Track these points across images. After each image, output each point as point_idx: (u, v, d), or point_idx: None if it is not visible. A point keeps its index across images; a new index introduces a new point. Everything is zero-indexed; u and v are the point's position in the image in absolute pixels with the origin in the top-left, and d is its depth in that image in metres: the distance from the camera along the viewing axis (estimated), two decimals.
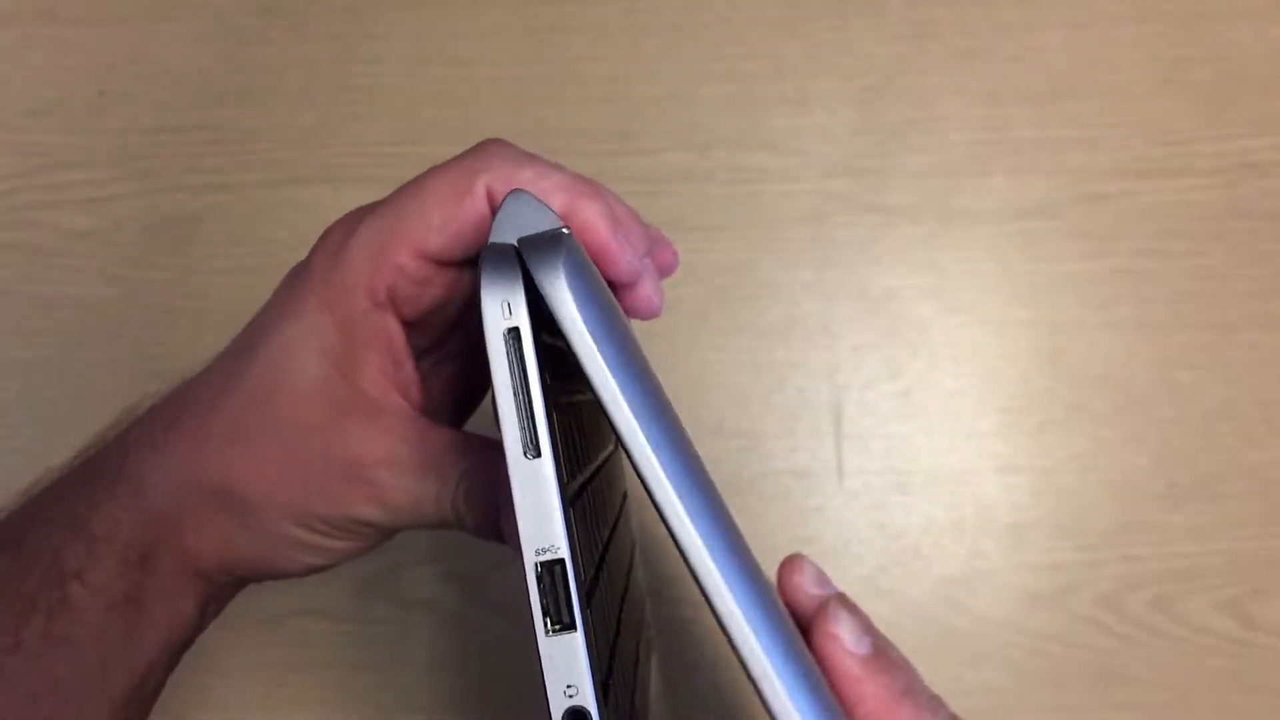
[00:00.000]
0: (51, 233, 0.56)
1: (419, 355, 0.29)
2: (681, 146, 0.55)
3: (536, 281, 0.19)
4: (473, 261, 0.27)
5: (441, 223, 0.26)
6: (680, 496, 0.20)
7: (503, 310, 0.19)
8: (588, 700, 0.19)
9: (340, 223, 0.29)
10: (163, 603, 0.29)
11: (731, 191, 0.54)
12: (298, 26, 0.57)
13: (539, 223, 0.21)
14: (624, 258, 0.25)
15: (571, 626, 0.19)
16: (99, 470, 0.30)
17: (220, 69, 0.57)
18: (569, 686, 0.19)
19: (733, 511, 0.21)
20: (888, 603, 0.51)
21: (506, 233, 0.21)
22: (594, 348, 0.19)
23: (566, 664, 0.19)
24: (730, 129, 0.55)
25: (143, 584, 0.29)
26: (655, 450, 0.19)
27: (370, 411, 0.27)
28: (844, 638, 0.22)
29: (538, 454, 0.19)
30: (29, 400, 0.55)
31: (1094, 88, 0.54)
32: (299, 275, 0.30)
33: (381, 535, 0.29)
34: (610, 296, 0.21)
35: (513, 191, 0.22)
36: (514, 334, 0.19)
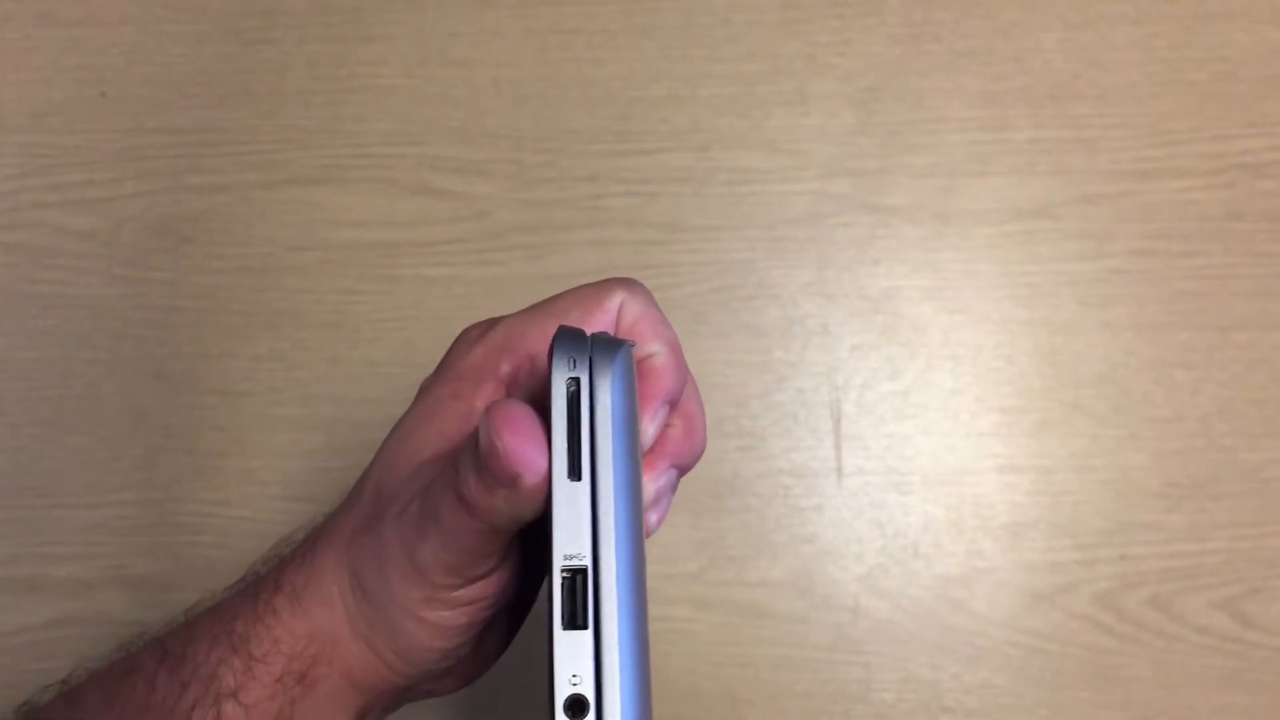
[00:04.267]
0: (53, 233, 0.56)
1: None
2: (681, 146, 0.55)
3: (592, 360, 0.24)
4: None
5: (578, 320, 0.28)
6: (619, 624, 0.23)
7: (568, 364, 0.24)
8: (588, 690, 0.22)
9: (481, 322, 0.30)
10: None
11: (731, 191, 0.55)
12: (298, 27, 0.57)
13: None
14: (647, 426, 0.27)
15: (585, 626, 0.23)
16: (260, 589, 0.30)
17: (221, 70, 0.57)
18: (574, 676, 0.22)
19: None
20: (887, 602, 0.51)
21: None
22: (609, 438, 0.24)
23: (575, 657, 0.22)
24: (730, 129, 0.55)
25: (297, 703, 0.29)
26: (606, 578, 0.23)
27: None
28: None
29: (579, 478, 0.23)
30: (30, 400, 0.55)
31: (1092, 89, 0.54)
32: (435, 373, 0.31)
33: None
34: (635, 421, 0.25)
35: (604, 335, 0.26)
36: (575, 382, 0.24)
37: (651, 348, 0.28)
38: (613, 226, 0.54)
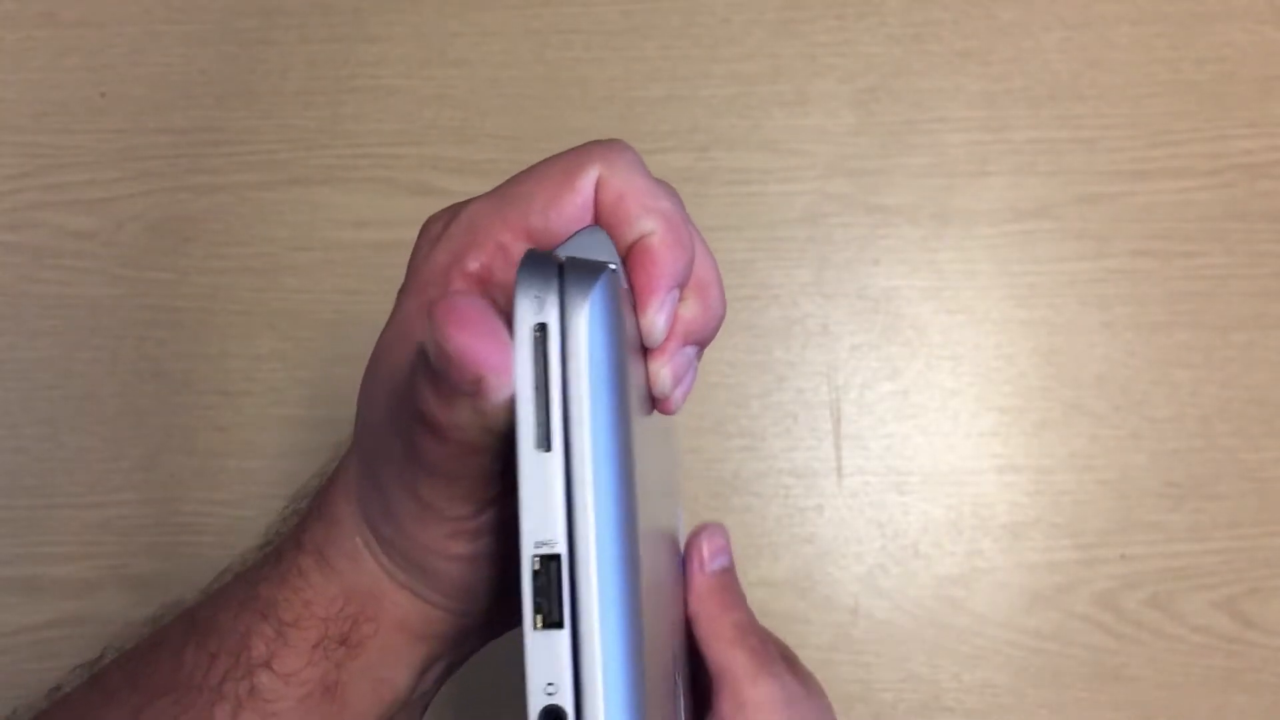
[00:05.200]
0: (53, 233, 0.56)
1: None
2: (681, 147, 0.55)
3: (563, 299, 0.19)
4: None
5: (545, 204, 0.24)
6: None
7: (534, 305, 0.19)
8: (566, 701, 0.19)
9: (441, 212, 0.26)
10: (369, 683, 0.27)
11: (731, 192, 0.55)
12: (298, 27, 0.57)
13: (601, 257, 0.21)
14: (654, 320, 0.23)
15: (560, 624, 0.19)
16: (282, 549, 0.28)
17: (221, 70, 0.57)
18: (549, 684, 0.19)
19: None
20: (886, 602, 0.51)
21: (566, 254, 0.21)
22: (585, 397, 0.19)
23: (549, 661, 0.19)
24: (730, 129, 0.55)
25: (344, 666, 0.26)
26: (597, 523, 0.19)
27: None
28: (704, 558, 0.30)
29: (549, 448, 0.19)
30: (31, 400, 0.55)
31: (1092, 89, 0.54)
32: (404, 282, 0.27)
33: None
34: (624, 348, 0.20)
35: (590, 226, 0.22)
36: (541, 329, 0.19)
37: (643, 225, 0.23)
38: None
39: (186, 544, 0.54)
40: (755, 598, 0.52)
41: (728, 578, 0.31)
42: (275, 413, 0.54)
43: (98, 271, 0.55)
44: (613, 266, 0.21)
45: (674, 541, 0.30)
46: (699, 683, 0.30)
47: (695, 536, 0.31)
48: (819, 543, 0.52)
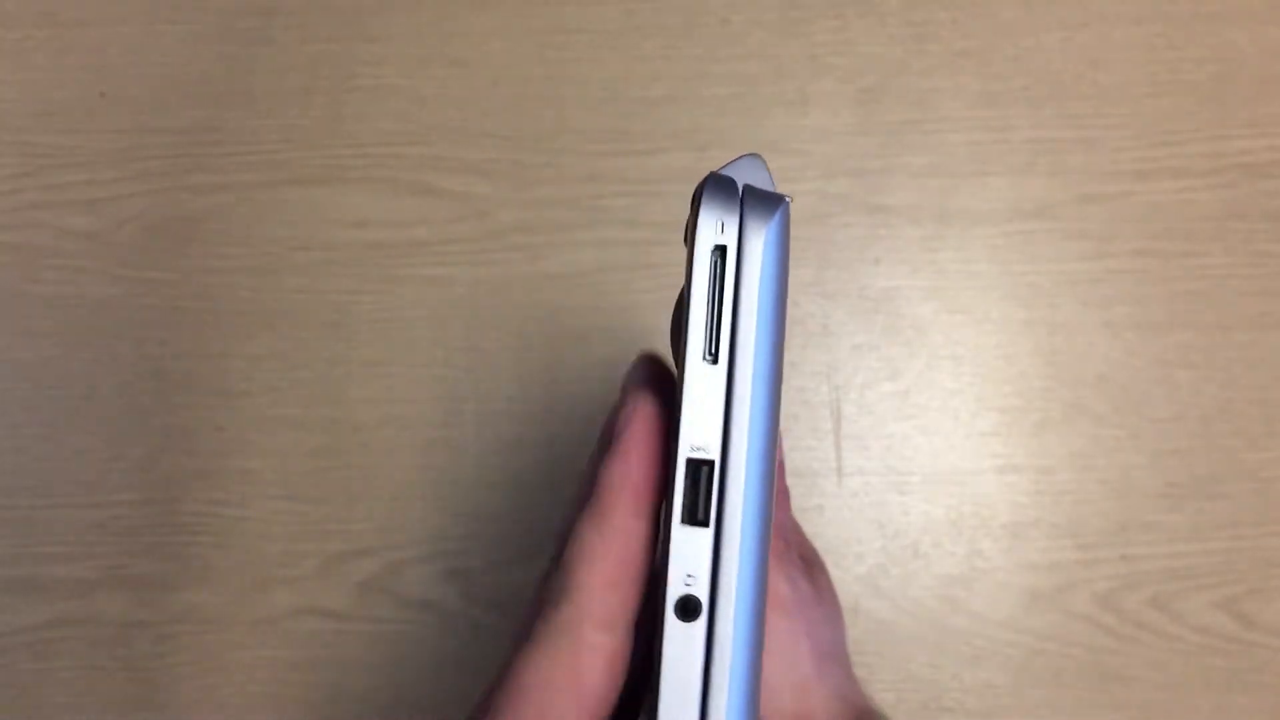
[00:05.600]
0: (53, 233, 0.56)
1: None
2: (681, 147, 0.55)
3: (742, 226, 0.21)
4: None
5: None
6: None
7: (716, 228, 0.21)
8: (702, 592, 0.20)
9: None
10: None
11: None
12: (298, 27, 0.57)
13: (764, 185, 0.22)
14: None
15: (705, 524, 0.21)
16: None
17: (221, 69, 0.57)
18: (689, 576, 0.21)
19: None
20: (886, 602, 0.51)
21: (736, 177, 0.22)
22: (753, 318, 0.21)
23: (693, 555, 0.21)
24: (730, 130, 0.55)
25: None
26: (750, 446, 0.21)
27: None
28: None
29: (715, 361, 0.21)
30: (31, 400, 0.55)
31: (1092, 88, 0.54)
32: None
33: None
34: (784, 295, 0.22)
35: (750, 155, 0.23)
36: (720, 251, 0.21)
37: None
38: (613, 226, 0.54)
39: (186, 544, 0.54)
40: None
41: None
42: (275, 413, 0.54)
43: (98, 271, 0.55)
44: (788, 198, 0.22)
45: None
46: None
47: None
48: (819, 543, 0.51)
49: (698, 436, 0.21)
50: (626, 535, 0.21)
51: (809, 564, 0.32)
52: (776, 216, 0.21)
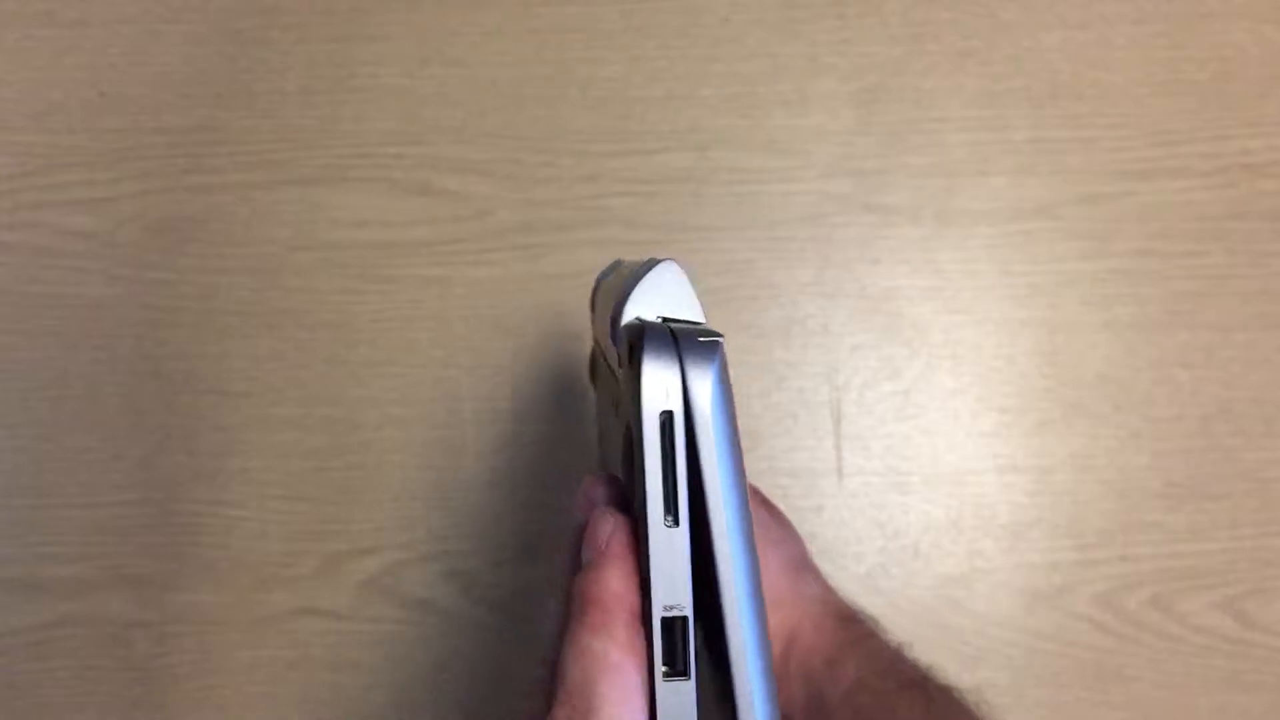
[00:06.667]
0: (52, 233, 0.56)
1: None
2: (681, 147, 0.55)
3: (686, 376, 0.21)
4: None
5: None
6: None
7: (663, 394, 0.21)
8: None
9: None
10: None
11: (731, 191, 0.54)
12: (298, 27, 0.57)
13: (681, 304, 0.23)
14: None
15: (685, 674, 0.21)
16: None
17: (220, 69, 0.57)
18: None
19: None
20: (887, 601, 0.51)
21: (649, 305, 0.22)
22: (715, 464, 0.21)
23: (677, 707, 0.21)
24: (730, 129, 0.55)
25: None
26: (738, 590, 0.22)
27: None
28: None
29: (676, 524, 0.21)
30: (31, 400, 0.55)
31: (1092, 88, 0.54)
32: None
33: None
34: (736, 436, 0.22)
35: (664, 261, 0.23)
36: (668, 416, 0.21)
37: None
38: (613, 226, 0.54)
39: (186, 544, 0.54)
40: None
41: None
42: (275, 413, 0.54)
43: (97, 271, 0.55)
44: (720, 339, 0.22)
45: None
46: None
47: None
48: (819, 543, 0.52)
49: (670, 596, 0.21)
50: (636, 649, 0.22)
51: (760, 497, 0.34)
52: (715, 365, 0.21)
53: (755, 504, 0.32)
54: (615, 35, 0.56)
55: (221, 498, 0.54)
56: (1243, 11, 0.55)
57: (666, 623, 0.21)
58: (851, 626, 0.32)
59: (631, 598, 0.22)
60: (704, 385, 0.21)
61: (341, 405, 0.54)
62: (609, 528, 0.23)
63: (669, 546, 0.21)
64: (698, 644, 0.22)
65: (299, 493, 0.54)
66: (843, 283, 0.54)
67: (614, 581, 0.23)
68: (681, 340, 0.22)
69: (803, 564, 0.34)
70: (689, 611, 0.21)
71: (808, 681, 0.31)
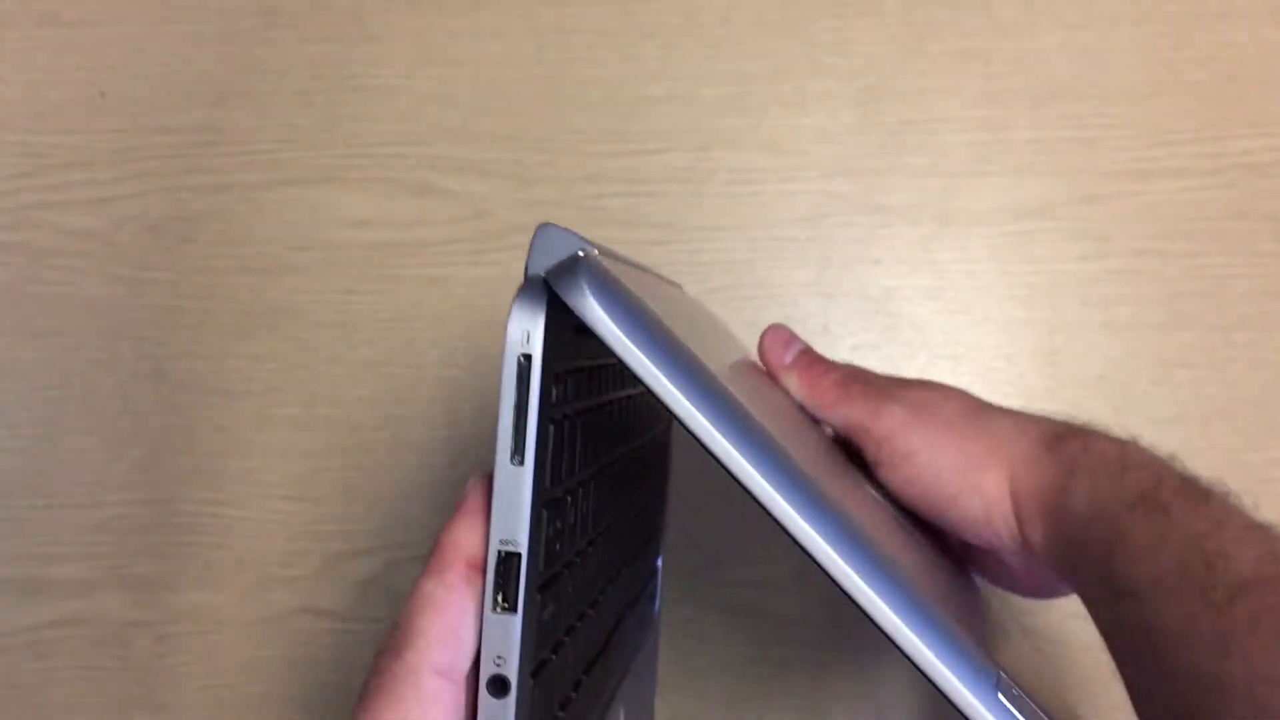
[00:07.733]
0: (53, 233, 0.56)
1: None
2: (681, 147, 0.55)
3: (569, 305, 0.22)
4: None
5: None
6: (739, 449, 0.24)
7: (523, 339, 0.22)
8: (511, 671, 0.22)
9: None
10: None
11: (731, 191, 0.54)
12: (298, 27, 0.57)
13: (567, 248, 0.23)
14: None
15: (513, 610, 0.22)
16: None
17: (221, 70, 0.57)
18: (498, 657, 0.23)
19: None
20: None
21: (539, 265, 0.23)
22: (629, 345, 0.22)
23: (501, 638, 0.22)
24: (729, 129, 0.55)
25: None
26: (709, 418, 0.23)
27: None
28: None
29: (521, 463, 0.22)
30: (31, 400, 0.55)
31: (1092, 89, 0.54)
32: None
33: None
34: (641, 297, 0.23)
35: (542, 225, 0.24)
36: (527, 359, 0.22)
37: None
38: (613, 226, 0.54)
39: (186, 544, 0.54)
40: (754, 598, 0.52)
41: (805, 357, 0.37)
42: (275, 413, 0.54)
43: (98, 271, 0.55)
44: (581, 253, 0.23)
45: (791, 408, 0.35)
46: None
47: (761, 346, 0.37)
48: None
49: (506, 531, 0.23)
50: (462, 591, 0.24)
51: (900, 381, 0.35)
52: (583, 296, 0.22)
53: (900, 389, 0.33)
54: (615, 36, 0.56)
55: (221, 498, 0.54)
56: (1243, 11, 0.55)
57: (502, 557, 0.23)
58: (1062, 448, 0.31)
59: (471, 545, 0.24)
60: (583, 301, 0.22)
61: (341, 405, 0.54)
62: (471, 485, 0.24)
63: (513, 484, 0.22)
64: (530, 580, 0.23)
65: (299, 493, 0.54)
66: (842, 283, 0.54)
67: (457, 531, 0.24)
68: (551, 276, 0.22)
69: (975, 408, 0.33)
70: (523, 549, 0.22)
71: (1049, 520, 0.30)
